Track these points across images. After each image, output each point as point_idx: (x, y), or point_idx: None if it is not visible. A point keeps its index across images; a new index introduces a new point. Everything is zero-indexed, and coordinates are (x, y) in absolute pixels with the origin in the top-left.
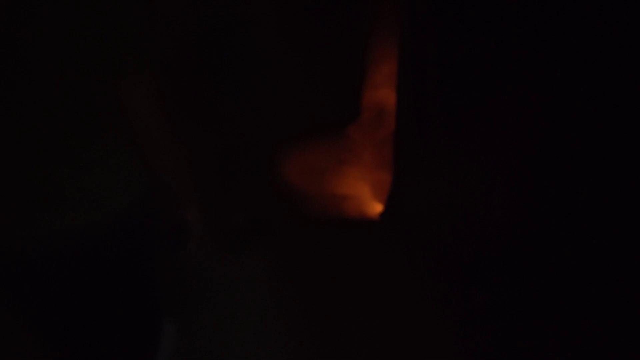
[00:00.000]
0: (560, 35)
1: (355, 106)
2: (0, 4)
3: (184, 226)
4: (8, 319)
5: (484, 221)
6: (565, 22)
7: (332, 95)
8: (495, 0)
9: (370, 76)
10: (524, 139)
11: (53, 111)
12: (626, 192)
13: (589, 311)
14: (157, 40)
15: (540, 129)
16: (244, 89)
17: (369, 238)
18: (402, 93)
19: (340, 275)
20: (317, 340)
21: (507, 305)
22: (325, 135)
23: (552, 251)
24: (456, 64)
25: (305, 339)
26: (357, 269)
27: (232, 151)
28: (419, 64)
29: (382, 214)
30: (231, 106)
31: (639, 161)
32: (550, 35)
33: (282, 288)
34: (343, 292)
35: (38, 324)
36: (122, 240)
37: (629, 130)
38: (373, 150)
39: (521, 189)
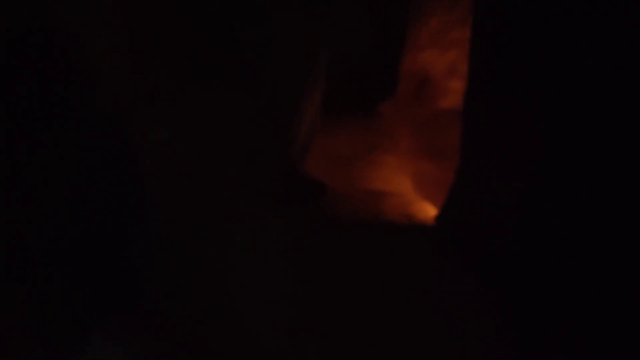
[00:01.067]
0: None
1: (391, 74)
2: None
3: None
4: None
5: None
6: None
7: (359, 60)
8: None
9: (413, 33)
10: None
11: None
12: None
13: None
14: None
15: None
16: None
17: (417, 246)
18: (476, 61)
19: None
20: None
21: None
22: (352, 113)
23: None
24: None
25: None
26: (402, 283)
27: None
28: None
29: (439, 218)
30: None
31: None
32: None
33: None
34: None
35: None
36: None
37: None
38: (412, 133)
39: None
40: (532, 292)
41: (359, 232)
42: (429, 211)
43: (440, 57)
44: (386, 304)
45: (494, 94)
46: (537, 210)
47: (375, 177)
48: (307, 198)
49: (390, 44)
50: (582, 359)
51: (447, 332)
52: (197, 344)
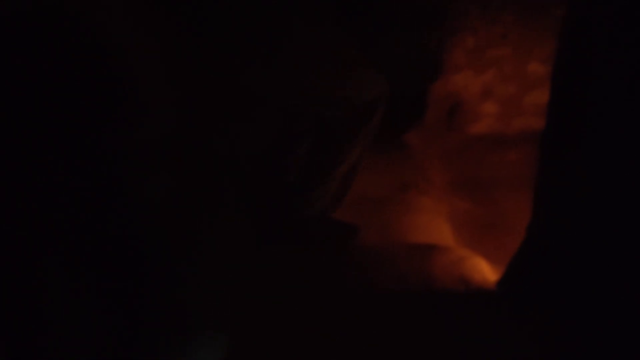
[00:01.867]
0: None
1: (420, 100)
2: None
3: None
4: None
5: None
6: None
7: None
8: None
9: (448, 54)
10: None
11: None
12: None
13: None
14: None
15: None
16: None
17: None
18: (559, 99)
19: None
20: None
21: None
22: (377, 146)
23: None
24: None
25: None
26: None
27: None
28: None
29: (503, 283)
30: None
31: None
32: None
33: None
34: None
35: None
36: None
37: None
38: (443, 165)
39: None
40: None
41: (407, 305)
42: (483, 269)
43: (475, 78)
44: None
45: (578, 140)
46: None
47: (410, 223)
48: (337, 241)
49: (427, 68)
50: None
51: None
52: None
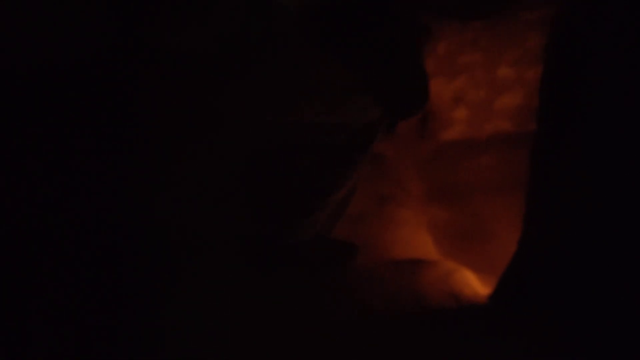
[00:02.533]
0: None
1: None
2: None
3: None
4: None
5: None
6: None
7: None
8: None
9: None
10: None
11: None
12: None
13: None
14: None
15: None
16: None
17: (473, 336)
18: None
19: None
20: None
21: None
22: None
23: None
24: None
25: None
26: None
27: None
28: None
29: (495, 297)
30: None
31: None
32: None
33: None
34: None
35: None
36: None
37: None
38: (419, 174)
39: None
40: None
41: (400, 326)
42: (472, 282)
43: (447, 85)
44: None
45: (571, 147)
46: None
47: (392, 237)
48: (337, 261)
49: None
50: None
51: None
52: None
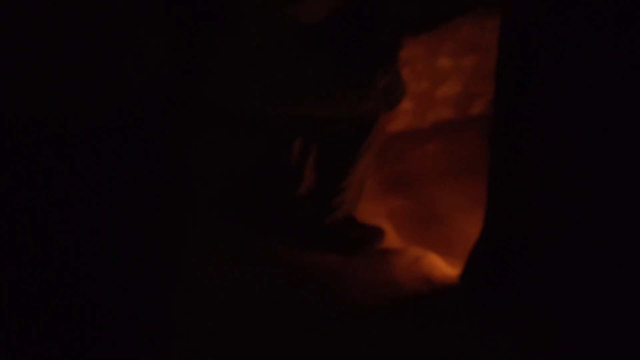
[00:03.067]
0: None
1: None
2: None
3: None
4: None
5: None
6: None
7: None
8: None
9: None
10: None
11: None
12: None
13: None
14: None
15: None
16: None
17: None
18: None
19: None
20: None
21: None
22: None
23: None
24: None
25: None
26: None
27: None
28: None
29: (464, 276)
30: None
31: None
32: None
33: None
34: None
35: None
36: None
37: None
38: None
39: None
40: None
41: (377, 314)
42: (440, 265)
43: None
44: None
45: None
46: (582, 251)
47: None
48: (361, 243)
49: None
50: None
51: None
52: None
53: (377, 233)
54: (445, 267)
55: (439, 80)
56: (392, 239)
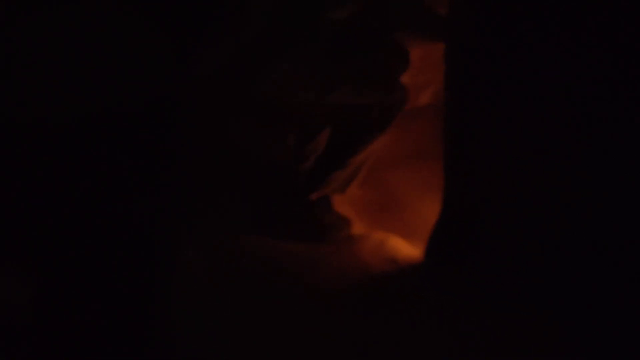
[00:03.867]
0: None
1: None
2: None
3: None
4: None
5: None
6: None
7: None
8: None
9: None
10: None
11: None
12: None
13: None
14: None
15: None
16: None
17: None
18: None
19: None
20: None
21: None
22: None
23: None
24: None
25: None
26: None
27: None
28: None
29: (429, 254)
30: None
31: None
32: None
33: None
34: None
35: None
36: None
37: None
38: None
39: None
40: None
41: (352, 294)
42: (403, 247)
43: None
44: None
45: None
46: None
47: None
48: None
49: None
50: None
51: None
52: None
53: (346, 221)
54: (407, 249)
55: None
56: (356, 225)
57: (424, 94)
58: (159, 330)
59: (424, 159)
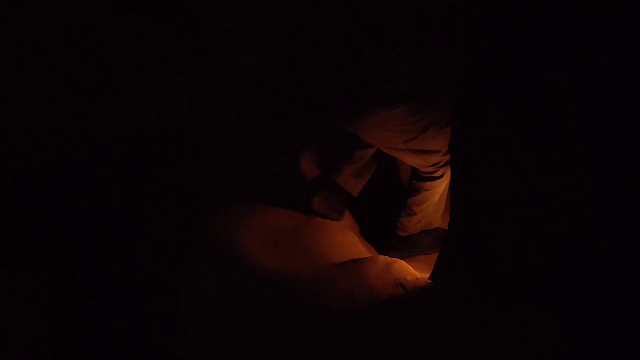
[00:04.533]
0: None
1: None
2: None
3: None
4: None
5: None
6: None
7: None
8: None
9: None
10: None
11: None
12: None
13: None
14: None
15: None
16: None
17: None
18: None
19: None
20: None
21: None
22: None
23: None
24: None
25: None
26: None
27: None
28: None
29: (434, 276)
30: None
31: None
32: None
33: None
34: None
35: None
36: None
37: None
38: None
39: None
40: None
41: (359, 319)
42: (410, 269)
43: None
44: None
45: (485, 140)
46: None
47: (328, 243)
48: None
49: None
50: None
51: None
52: None
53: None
54: (413, 271)
55: None
56: (359, 249)
57: None
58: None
59: None
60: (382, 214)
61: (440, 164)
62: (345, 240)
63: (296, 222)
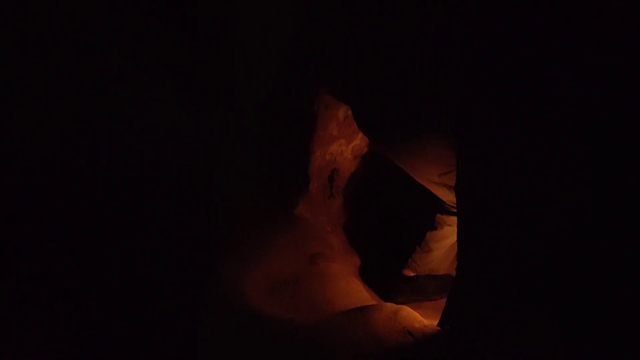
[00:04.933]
0: None
1: (304, 171)
2: None
3: None
4: None
5: None
6: None
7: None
8: None
9: (323, 127)
10: None
11: None
12: None
13: None
14: None
15: None
16: None
17: None
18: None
19: None
20: None
21: None
22: (273, 222)
23: None
24: None
25: None
26: None
27: None
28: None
29: (442, 323)
30: None
31: None
32: None
33: None
34: None
35: None
36: None
37: None
38: (335, 229)
39: None
40: None
41: None
42: (417, 316)
43: (347, 145)
44: None
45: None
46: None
47: (332, 290)
48: None
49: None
50: None
51: None
52: None
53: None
54: (421, 318)
55: None
56: (364, 297)
57: None
58: None
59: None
60: (386, 256)
61: None
62: (350, 288)
63: (299, 269)
